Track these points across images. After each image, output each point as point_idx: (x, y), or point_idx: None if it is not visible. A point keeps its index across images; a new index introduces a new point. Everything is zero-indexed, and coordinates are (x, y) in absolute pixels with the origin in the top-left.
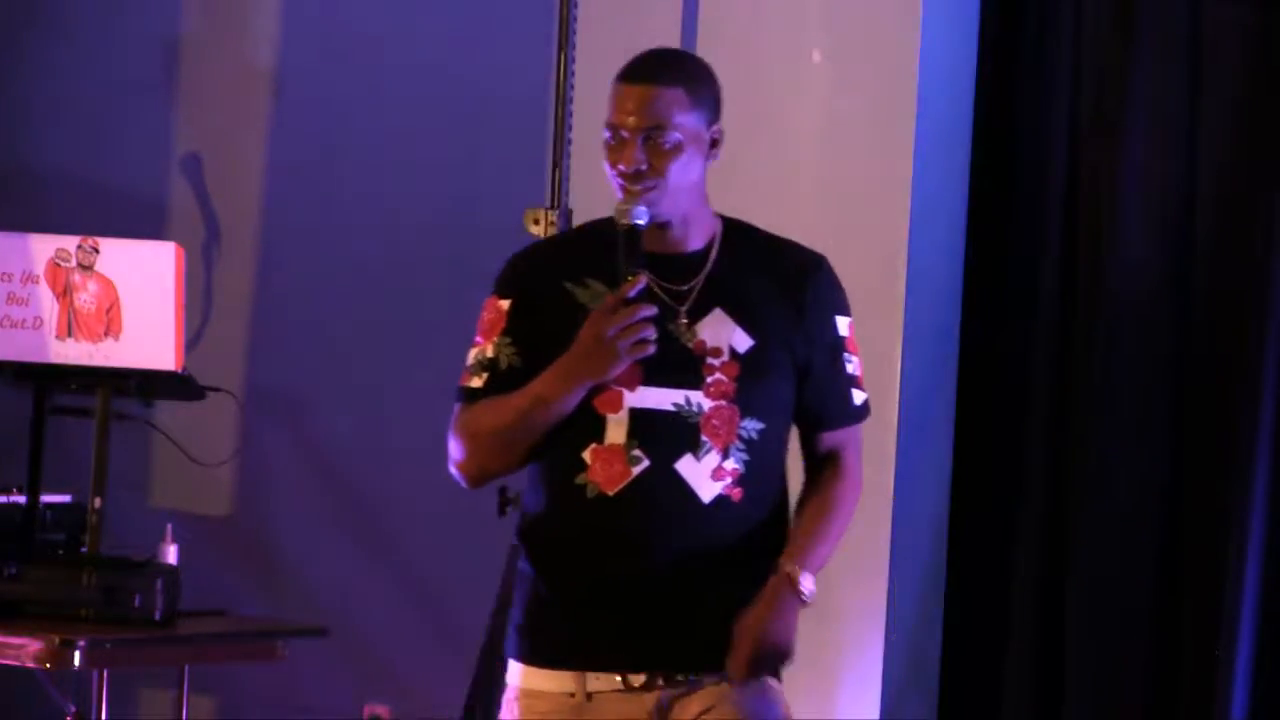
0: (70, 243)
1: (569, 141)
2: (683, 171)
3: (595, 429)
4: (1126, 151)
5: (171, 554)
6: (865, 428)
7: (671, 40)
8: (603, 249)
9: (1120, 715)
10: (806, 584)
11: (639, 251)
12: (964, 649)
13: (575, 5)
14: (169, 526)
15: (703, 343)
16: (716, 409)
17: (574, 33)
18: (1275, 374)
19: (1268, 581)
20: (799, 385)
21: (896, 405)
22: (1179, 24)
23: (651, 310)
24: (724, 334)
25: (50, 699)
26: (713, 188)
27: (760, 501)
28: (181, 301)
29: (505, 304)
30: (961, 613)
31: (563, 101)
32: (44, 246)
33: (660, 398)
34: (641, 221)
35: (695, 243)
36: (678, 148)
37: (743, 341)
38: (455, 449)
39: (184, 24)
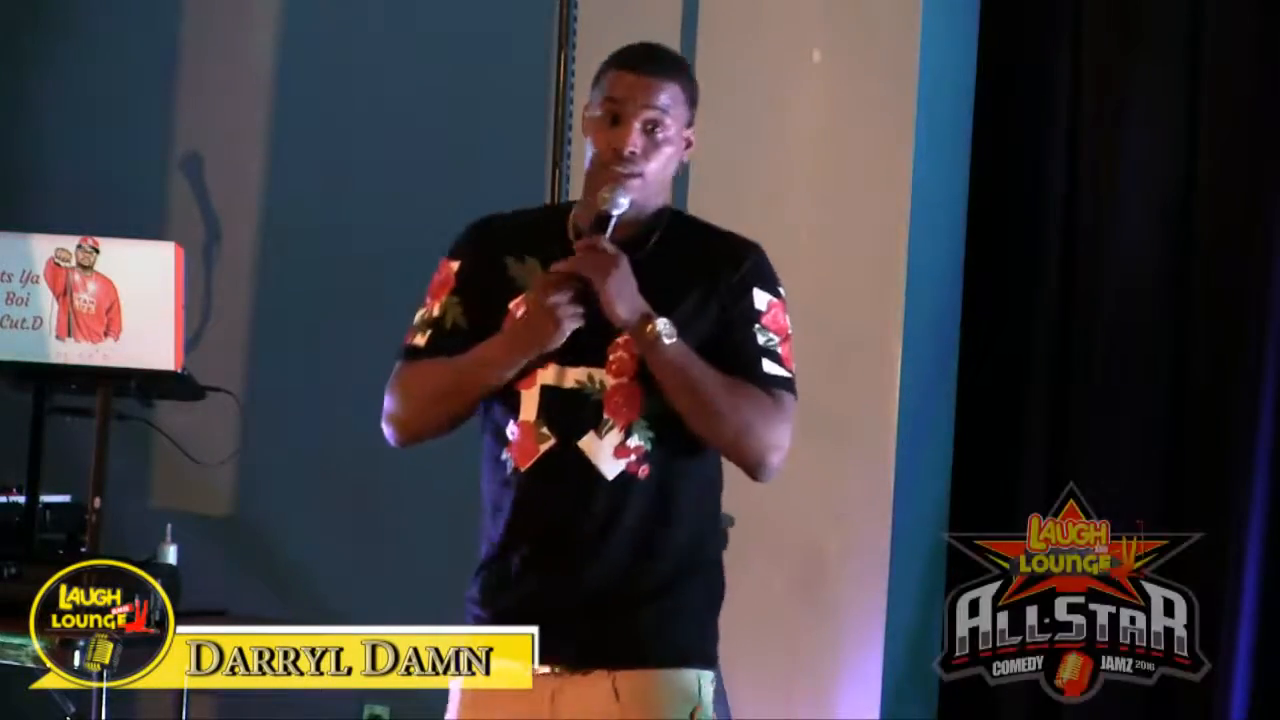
0: (70, 243)
1: (569, 141)
2: (665, 165)
3: (515, 405)
4: (1126, 151)
5: (171, 554)
6: (865, 426)
7: (673, 40)
8: (551, 233)
9: (1121, 716)
10: (664, 324)
11: (607, 236)
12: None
13: (575, 5)
14: (169, 526)
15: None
16: (619, 386)
17: (574, 33)
18: (1275, 373)
19: (1268, 581)
20: (715, 359)
21: (896, 405)
22: (1179, 24)
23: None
24: None
25: (50, 699)
26: (713, 187)
27: (675, 480)
28: (181, 301)
29: (454, 265)
30: None
31: (563, 101)
32: (44, 246)
33: (568, 376)
34: (618, 211)
35: (641, 228)
36: (669, 140)
37: None
38: (389, 403)
39: (184, 24)
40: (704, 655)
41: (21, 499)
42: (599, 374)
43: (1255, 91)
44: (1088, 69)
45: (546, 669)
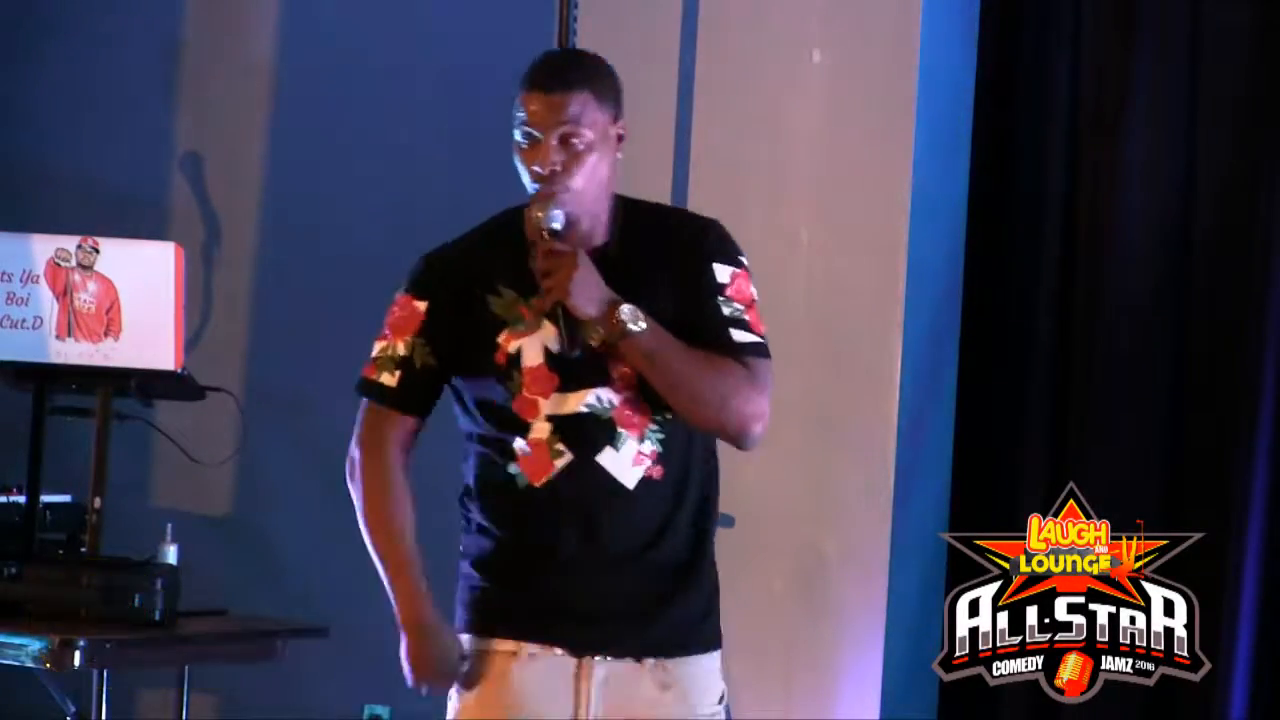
0: (70, 243)
1: None
2: (593, 171)
3: (522, 428)
4: (1126, 151)
5: (171, 554)
6: (864, 424)
7: (672, 40)
8: (513, 252)
9: (1121, 716)
10: (629, 311)
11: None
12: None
13: (575, 5)
14: (169, 526)
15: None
16: (626, 400)
17: (574, 33)
18: (1275, 374)
19: (1268, 581)
20: (686, 336)
21: (896, 405)
22: (1179, 24)
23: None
24: None
25: (50, 699)
26: (713, 187)
27: (683, 474)
28: (181, 301)
29: (422, 305)
30: None
31: None
32: (44, 246)
33: (573, 401)
34: (558, 225)
35: (600, 237)
36: (589, 148)
37: None
38: (353, 483)
39: (184, 24)
40: (721, 637)
41: (21, 499)
42: (605, 393)
43: (1255, 92)
44: (1088, 69)
45: (577, 661)
